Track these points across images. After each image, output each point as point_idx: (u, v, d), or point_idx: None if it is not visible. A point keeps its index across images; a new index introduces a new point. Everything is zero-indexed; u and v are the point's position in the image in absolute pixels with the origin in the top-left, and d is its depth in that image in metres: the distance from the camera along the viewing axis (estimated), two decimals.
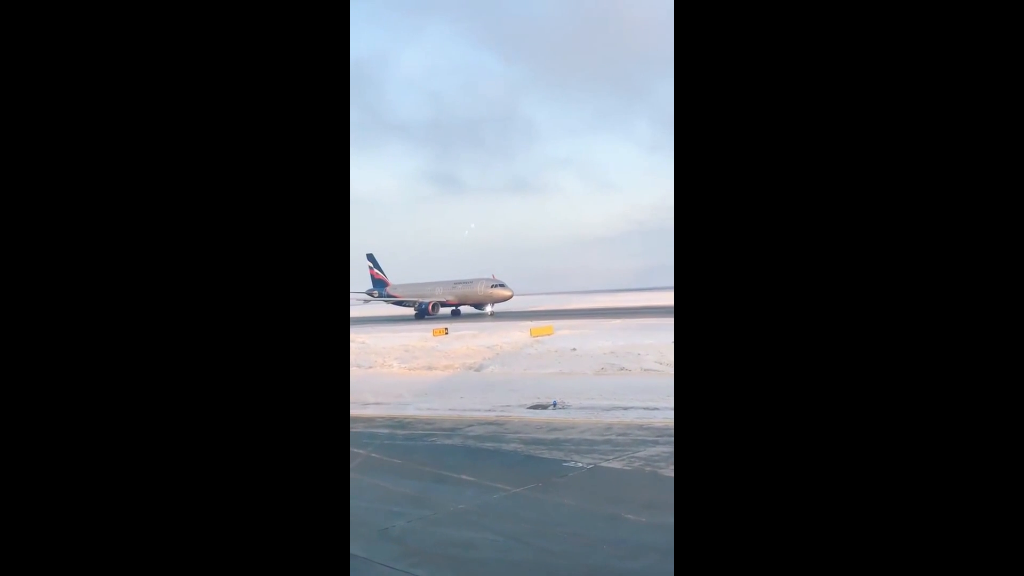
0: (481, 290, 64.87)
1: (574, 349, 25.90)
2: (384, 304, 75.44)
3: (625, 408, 13.72)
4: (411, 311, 67.88)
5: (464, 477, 9.32)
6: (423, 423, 13.42)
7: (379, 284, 78.48)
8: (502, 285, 64.49)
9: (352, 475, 9.89)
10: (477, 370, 22.38)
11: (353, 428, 13.21)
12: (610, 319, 43.44)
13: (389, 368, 24.47)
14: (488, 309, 64.94)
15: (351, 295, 73.17)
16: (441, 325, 39.95)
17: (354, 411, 14.98)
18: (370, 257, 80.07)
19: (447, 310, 66.75)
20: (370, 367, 24.73)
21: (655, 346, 24.65)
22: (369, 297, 76.48)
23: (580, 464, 9.65)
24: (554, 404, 14.45)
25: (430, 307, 65.05)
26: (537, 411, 14.03)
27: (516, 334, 34.58)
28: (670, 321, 37.60)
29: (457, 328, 40.05)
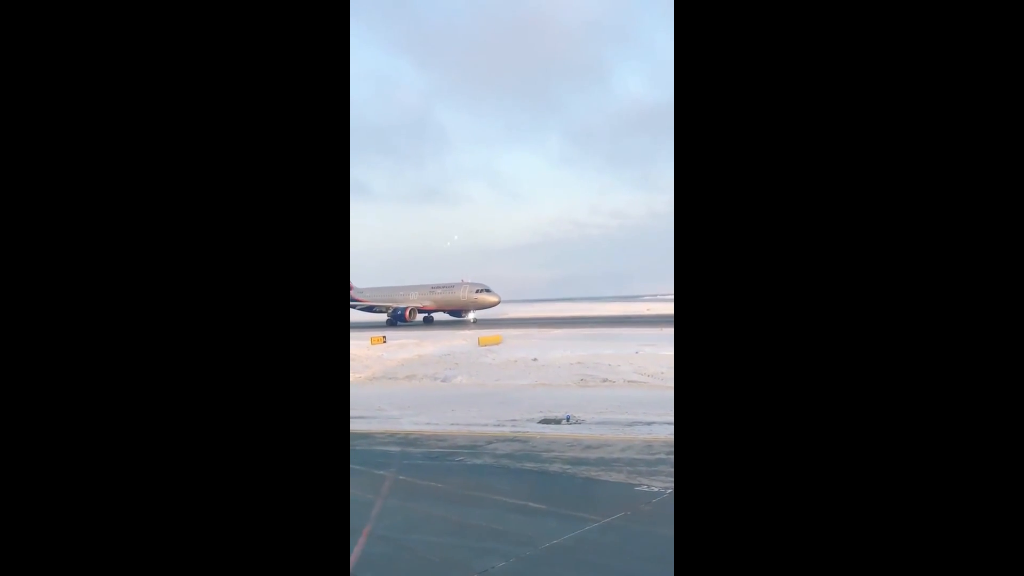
0: (464, 295, 59.20)
1: (535, 359, 25.00)
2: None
3: (648, 423, 12.82)
4: (379, 317, 62.54)
5: (531, 504, 8.17)
6: (432, 439, 12.13)
7: None
8: (488, 290, 58.96)
9: (396, 502, 8.63)
10: (443, 380, 21.13)
11: (355, 444, 11.80)
12: (546, 328, 42.82)
13: None
14: (470, 316, 59.42)
15: None
16: (379, 333, 38.23)
17: None
18: None
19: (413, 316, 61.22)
20: None
21: (621, 356, 24.08)
22: None
23: (655, 488, 8.63)
24: (567, 418, 13.42)
25: (407, 313, 59.58)
26: (551, 426, 12.96)
27: (460, 343, 33.45)
28: (615, 331, 37.47)
29: (394, 336, 38.47)
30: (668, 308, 60.93)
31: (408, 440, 12.13)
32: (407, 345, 33.42)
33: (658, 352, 24.72)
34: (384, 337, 36.22)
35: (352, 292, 68.03)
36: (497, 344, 31.83)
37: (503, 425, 13.17)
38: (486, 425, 13.21)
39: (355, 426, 13.63)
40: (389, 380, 21.92)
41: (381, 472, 9.89)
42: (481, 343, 31.62)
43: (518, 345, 31.09)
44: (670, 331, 34.39)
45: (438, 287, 61.40)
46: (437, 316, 62.62)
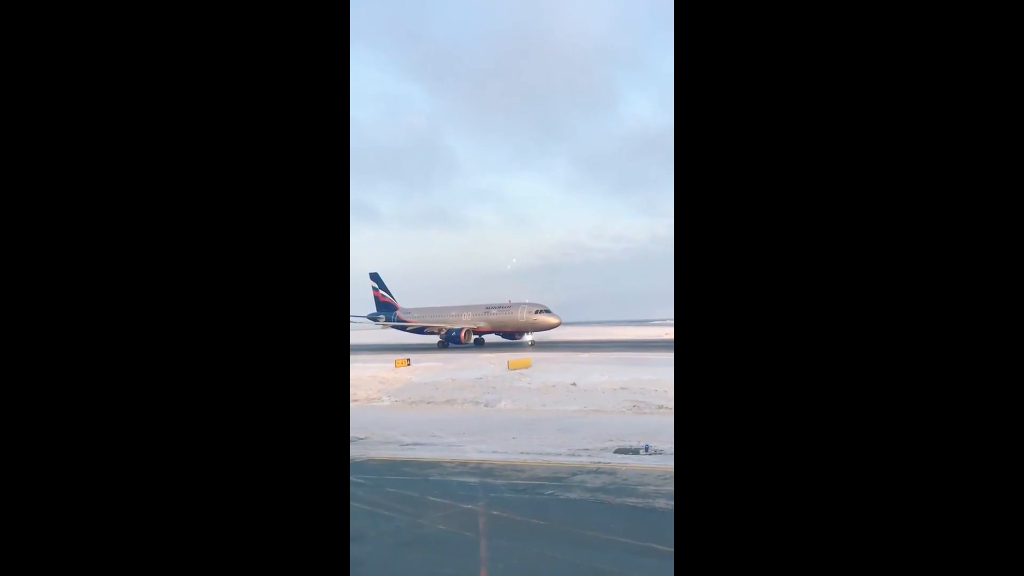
0: (523, 316, 55.13)
1: (574, 384, 24.14)
2: (387, 330, 66.48)
3: None
4: (429, 339, 59.92)
5: (658, 547, 7.26)
6: (509, 470, 11.23)
7: (385, 308, 67.56)
8: (548, 311, 54.80)
9: (504, 542, 7.70)
10: (486, 405, 20.25)
11: (427, 474, 10.95)
12: (571, 352, 41.92)
13: (380, 401, 22.00)
14: (528, 338, 55.71)
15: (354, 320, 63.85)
16: (403, 356, 37.30)
17: (401, 453, 12.71)
18: (375, 277, 69.06)
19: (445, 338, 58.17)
20: (355, 400, 22.18)
21: (665, 382, 23.20)
22: (371, 322, 66.96)
23: None
24: (646, 448, 12.55)
25: (463, 335, 55.64)
26: (630, 456, 12.09)
27: (488, 366, 32.60)
28: (643, 356, 36.55)
29: (419, 359, 37.54)
30: None
31: (482, 470, 11.25)
32: (434, 368, 32.57)
33: None
34: (408, 360, 35.34)
35: (398, 312, 65.19)
36: (527, 368, 30.97)
37: (577, 455, 12.30)
38: (559, 454, 12.33)
39: (416, 454, 12.78)
40: (428, 404, 21.03)
41: (468, 506, 9.03)
42: (511, 367, 30.78)
43: (548, 369, 30.21)
44: None
45: (493, 307, 57.92)
46: (487, 338, 59.78)
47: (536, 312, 54.80)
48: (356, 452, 12.84)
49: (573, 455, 12.27)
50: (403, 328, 64.48)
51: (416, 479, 10.68)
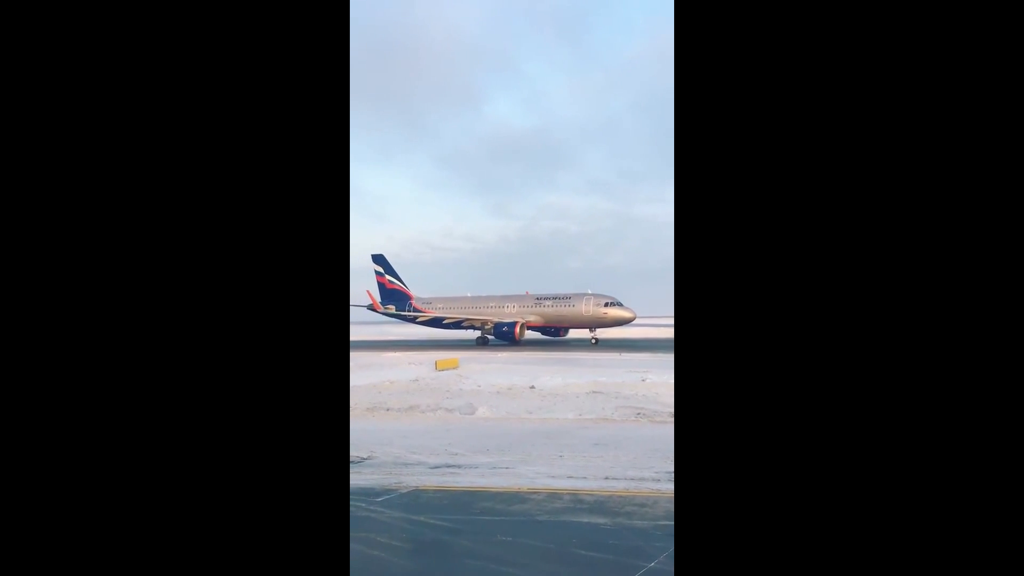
0: (588, 310, 45.70)
1: (532, 387, 21.94)
2: (392, 321, 57.07)
3: None
4: (463, 334, 51.50)
5: None
6: (628, 504, 8.58)
7: (394, 296, 56.47)
8: (619, 304, 45.45)
9: None
10: (463, 413, 17.51)
11: (524, 512, 8.28)
12: (490, 351, 39.59)
13: None
14: (591, 335, 46.52)
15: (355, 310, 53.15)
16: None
17: (444, 480, 10.01)
18: (379, 259, 57.68)
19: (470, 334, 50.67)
20: None
21: (639, 384, 21.59)
22: (369, 311, 56.41)
23: None
24: None
25: (516, 329, 46.46)
26: None
27: (409, 366, 29.73)
28: (567, 355, 34.80)
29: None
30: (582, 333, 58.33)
31: (591, 505, 8.62)
32: (354, 369, 29.18)
33: (664, 380, 22.33)
34: None
35: (413, 302, 55.39)
36: (456, 368, 28.39)
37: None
38: (656, 480, 9.93)
39: (468, 480, 9.99)
40: (388, 412, 17.97)
41: (652, 564, 6.53)
42: (439, 367, 28.11)
43: (480, 370, 27.81)
44: (633, 356, 32.35)
45: (546, 298, 48.67)
46: (528, 334, 50.78)
47: (605, 305, 45.68)
48: (385, 479, 9.92)
49: (673, 480, 9.98)
50: (437, 323, 53.09)
51: (520, 520, 7.99)
